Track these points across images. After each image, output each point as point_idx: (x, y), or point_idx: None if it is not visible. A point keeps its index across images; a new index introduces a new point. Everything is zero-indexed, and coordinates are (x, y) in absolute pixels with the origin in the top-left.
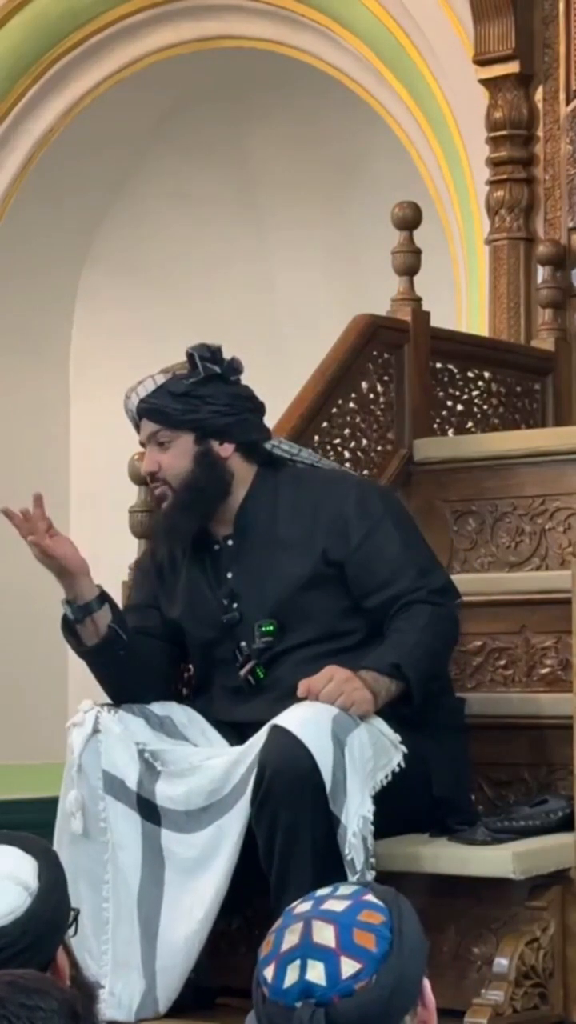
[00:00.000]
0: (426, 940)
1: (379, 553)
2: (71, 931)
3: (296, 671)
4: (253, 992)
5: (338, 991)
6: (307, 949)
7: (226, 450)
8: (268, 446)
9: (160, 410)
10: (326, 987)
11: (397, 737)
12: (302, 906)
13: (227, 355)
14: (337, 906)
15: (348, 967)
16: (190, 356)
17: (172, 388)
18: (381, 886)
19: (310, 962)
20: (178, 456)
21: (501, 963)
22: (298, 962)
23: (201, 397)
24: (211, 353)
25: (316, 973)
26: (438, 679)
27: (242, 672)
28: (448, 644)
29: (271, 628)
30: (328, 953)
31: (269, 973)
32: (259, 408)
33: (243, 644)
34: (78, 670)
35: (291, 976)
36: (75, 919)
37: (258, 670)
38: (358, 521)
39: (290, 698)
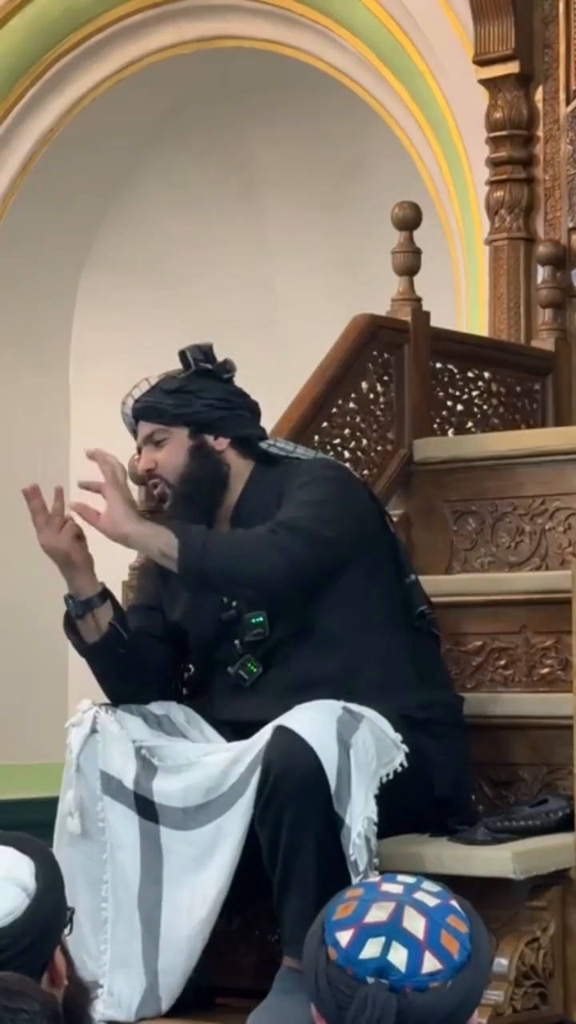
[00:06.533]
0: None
1: (288, 502)
2: (66, 930)
3: (291, 667)
4: (309, 950)
5: (414, 983)
6: (395, 930)
7: (221, 444)
8: (264, 445)
9: (154, 407)
10: (404, 975)
11: (398, 737)
12: (389, 886)
13: (223, 355)
14: (429, 900)
15: (430, 964)
16: (182, 354)
17: (165, 386)
18: (457, 895)
19: (395, 944)
20: (173, 451)
21: (501, 963)
22: (383, 939)
23: (193, 392)
24: (203, 352)
25: (399, 957)
26: (231, 580)
27: (231, 668)
28: (256, 555)
29: (260, 620)
30: (415, 943)
31: (344, 938)
32: (253, 407)
33: (236, 642)
34: (78, 670)
35: (371, 950)
36: (70, 918)
37: (249, 664)
38: (295, 489)
39: (290, 696)
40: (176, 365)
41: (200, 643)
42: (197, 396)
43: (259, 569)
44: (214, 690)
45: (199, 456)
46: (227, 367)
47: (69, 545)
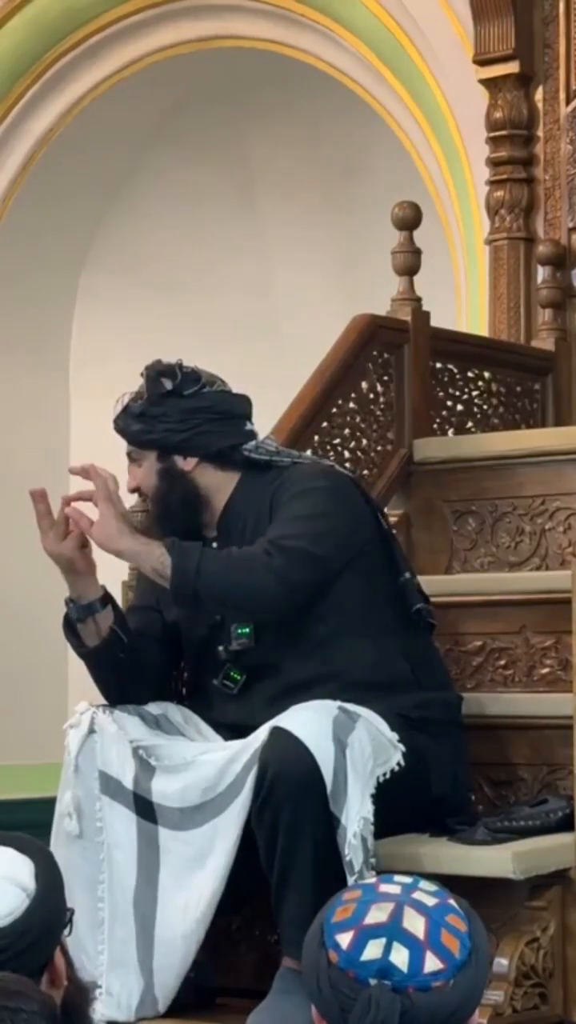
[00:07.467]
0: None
1: (280, 516)
2: (66, 931)
3: (282, 672)
4: (309, 953)
5: (416, 983)
6: (395, 931)
7: (188, 464)
8: (247, 450)
9: (125, 431)
10: (406, 975)
11: (395, 736)
12: (387, 887)
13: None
14: (427, 900)
15: (431, 963)
16: (142, 375)
17: (132, 409)
18: (455, 894)
19: (396, 944)
20: (147, 473)
21: (501, 963)
22: (384, 940)
23: (155, 417)
24: (166, 368)
25: (400, 958)
26: (224, 602)
27: (215, 681)
28: (250, 580)
29: (246, 631)
30: (416, 943)
31: (344, 940)
32: (222, 416)
33: (220, 648)
34: (78, 671)
35: (372, 951)
36: (70, 919)
37: (232, 673)
38: (286, 501)
39: (284, 699)
40: (177, 360)
41: (193, 644)
42: (159, 421)
43: (253, 592)
44: (211, 694)
45: (167, 478)
46: (191, 379)
47: (73, 552)
